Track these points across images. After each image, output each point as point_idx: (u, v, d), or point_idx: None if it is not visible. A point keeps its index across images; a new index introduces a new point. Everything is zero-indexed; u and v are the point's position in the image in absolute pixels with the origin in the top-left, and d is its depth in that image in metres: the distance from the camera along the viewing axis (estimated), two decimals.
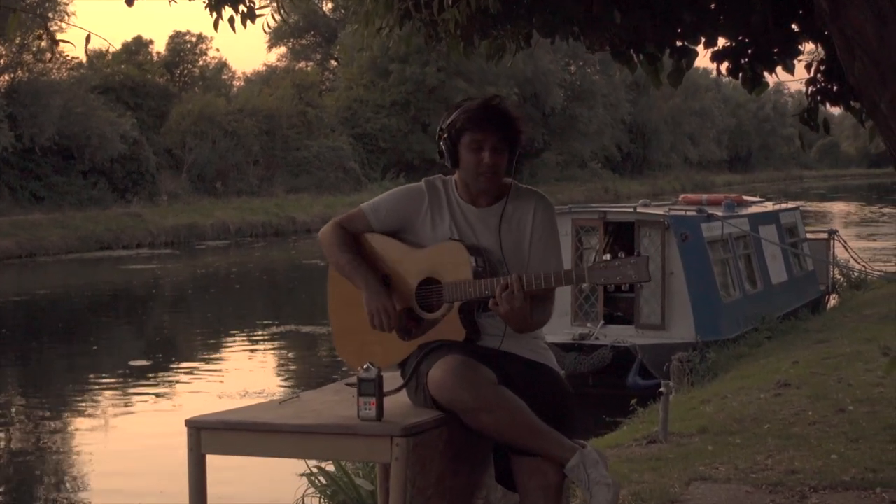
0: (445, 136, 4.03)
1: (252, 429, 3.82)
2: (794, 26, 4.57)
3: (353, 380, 3.85)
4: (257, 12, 4.41)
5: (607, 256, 3.81)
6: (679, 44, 4.68)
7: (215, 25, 4.42)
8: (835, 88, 4.72)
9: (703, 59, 4.78)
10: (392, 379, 4.01)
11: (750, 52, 4.64)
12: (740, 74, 4.67)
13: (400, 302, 4.03)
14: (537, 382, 3.92)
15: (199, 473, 3.87)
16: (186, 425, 3.87)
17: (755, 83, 4.66)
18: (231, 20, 4.43)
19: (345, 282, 4.11)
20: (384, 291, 3.99)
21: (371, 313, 3.98)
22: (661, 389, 7.93)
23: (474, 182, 4.00)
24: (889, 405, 8.15)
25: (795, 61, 4.70)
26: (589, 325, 13.84)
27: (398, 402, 3.92)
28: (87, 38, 3.93)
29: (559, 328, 13.56)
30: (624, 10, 4.32)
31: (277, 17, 4.47)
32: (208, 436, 3.85)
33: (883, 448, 6.85)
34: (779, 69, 4.68)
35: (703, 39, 4.60)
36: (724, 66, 4.68)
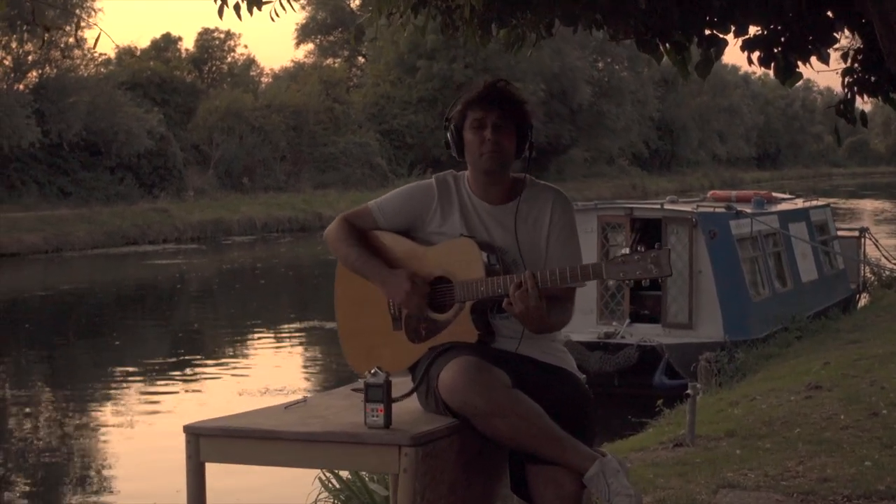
0: (451, 124, 3.83)
1: (253, 436, 3.63)
2: (829, 13, 4.33)
3: (361, 385, 3.65)
4: (264, 0, 4.22)
5: (626, 250, 3.59)
6: (708, 32, 4.45)
7: (220, 13, 4.23)
8: (872, 79, 4.47)
9: (732, 48, 4.56)
10: (403, 384, 3.81)
11: (783, 40, 4.40)
12: (772, 64, 4.43)
13: None
14: (555, 387, 3.72)
15: (199, 482, 3.68)
16: (185, 431, 3.70)
17: (788, 73, 4.41)
18: (237, 7, 4.24)
19: (352, 281, 3.92)
20: (399, 274, 3.78)
21: (397, 301, 3.79)
22: (688, 391, 7.70)
23: (478, 162, 3.80)
24: None
25: (831, 50, 4.46)
26: (615, 323, 13.59)
27: (409, 409, 3.72)
28: (97, 38, 3.73)
29: (584, 326, 13.33)
30: None
31: (286, 4, 4.26)
32: (207, 443, 3.66)
33: None
34: (813, 59, 4.45)
35: (733, 27, 4.37)
36: (756, 56, 4.44)
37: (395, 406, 3.58)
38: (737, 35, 4.47)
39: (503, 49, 4.78)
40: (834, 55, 4.48)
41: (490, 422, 3.50)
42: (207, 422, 3.75)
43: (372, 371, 3.59)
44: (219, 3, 4.20)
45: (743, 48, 4.46)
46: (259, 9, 4.23)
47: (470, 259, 3.73)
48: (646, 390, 12.20)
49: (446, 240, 3.83)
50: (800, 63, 4.43)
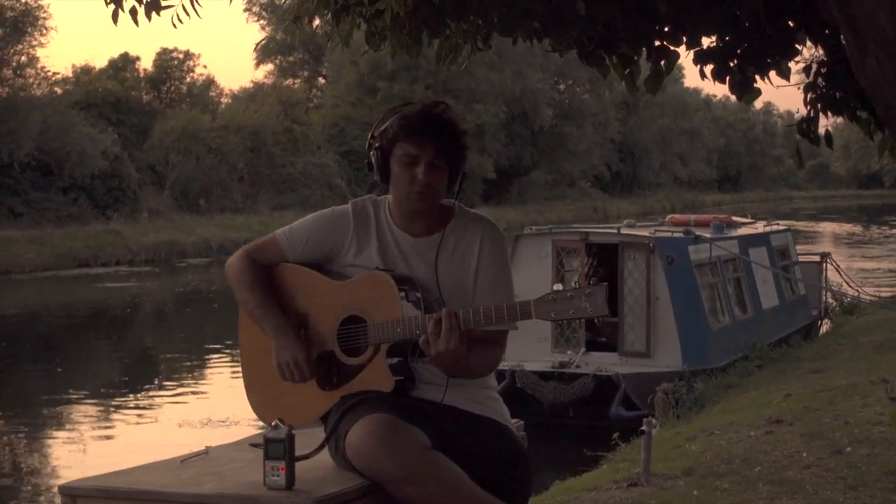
0: (376, 144, 3.40)
1: (136, 497, 3.18)
2: (789, 22, 3.94)
3: (261, 439, 3.19)
4: (163, 3, 3.77)
5: (559, 286, 3.18)
6: (657, 43, 4.04)
7: (114, 18, 3.77)
8: (837, 95, 4.08)
9: (689, 65, 4.16)
10: (315, 436, 3.38)
11: (739, 52, 4.00)
12: (728, 78, 4.03)
13: (320, 345, 3.38)
14: (484, 442, 3.29)
15: None
16: (60, 492, 3.23)
17: (745, 88, 4.01)
18: (133, 12, 3.79)
19: (256, 328, 3.47)
20: (296, 340, 3.36)
21: (280, 366, 3.35)
22: (643, 427, 7.28)
23: (406, 200, 3.37)
24: (890, 447, 7.50)
25: (792, 63, 4.07)
26: (570, 352, 13.15)
27: (320, 464, 3.28)
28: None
29: (538, 355, 12.90)
30: (589, 1, 3.68)
31: (189, 9, 3.81)
32: None
33: (885, 498, 6.21)
34: (772, 73, 4.05)
35: (684, 38, 3.97)
36: (709, 69, 4.04)
37: (304, 462, 3.15)
38: (689, 47, 4.06)
39: (434, 61, 4.36)
40: (795, 68, 4.09)
41: (403, 489, 3.07)
42: (86, 480, 3.29)
43: (273, 423, 3.15)
44: (112, 7, 3.74)
45: (696, 61, 4.06)
46: (158, 13, 3.78)
47: (386, 296, 3.30)
48: (602, 422, 11.78)
49: (360, 273, 3.39)
50: (758, 78, 4.03)
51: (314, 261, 3.48)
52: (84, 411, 14.89)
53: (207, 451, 3.62)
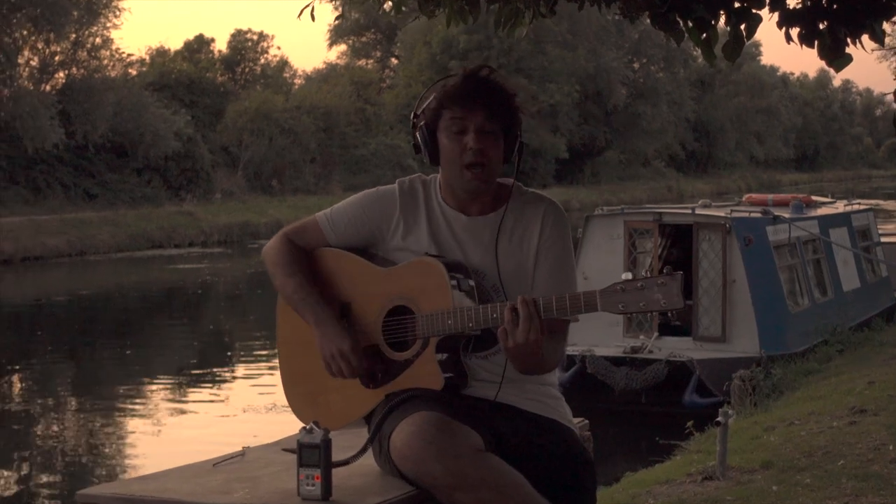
0: (421, 122, 3.08)
1: None
2: None
3: (295, 444, 2.90)
4: None
5: (628, 275, 2.84)
6: (737, 5, 3.68)
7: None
8: None
9: (768, 25, 3.78)
10: (357, 436, 3.08)
11: (829, 11, 3.62)
12: (816, 42, 3.64)
13: (364, 338, 3.08)
14: (544, 444, 2.97)
15: None
16: (77, 500, 2.96)
17: (836, 53, 3.63)
18: None
19: (295, 316, 3.17)
20: (342, 328, 3.05)
21: (325, 359, 3.04)
22: (720, 418, 6.91)
23: (459, 178, 3.05)
24: None
25: (887, 26, 3.67)
26: (642, 336, 12.75)
27: (362, 470, 2.99)
28: None
29: (610, 339, 12.52)
30: None
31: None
32: None
33: None
34: (864, 37, 3.66)
35: None
36: (796, 32, 3.66)
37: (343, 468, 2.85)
38: (772, 8, 3.69)
39: (493, 28, 4.03)
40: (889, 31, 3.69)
41: (453, 496, 2.75)
42: (106, 487, 3.02)
43: (307, 427, 2.85)
44: None
45: (780, 23, 3.67)
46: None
47: (436, 284, 2.98)
48: (675, 409, 11.38)
49: (408, 259, 3.08)
50: (849, 42, 3.64)
51: (358, 245, 3.18)
52: (153, 396, 14.94)
53: (244, 452, 3.34)
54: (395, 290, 3.05)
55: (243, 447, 3.40)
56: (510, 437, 2.94)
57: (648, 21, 3.88)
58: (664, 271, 2.76)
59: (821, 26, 3.66)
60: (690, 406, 11.52)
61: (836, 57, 3.64)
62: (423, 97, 3.11)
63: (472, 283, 2.99)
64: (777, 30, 3.81)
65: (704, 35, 3.82)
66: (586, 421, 3.56)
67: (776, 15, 3.68)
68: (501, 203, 3.10)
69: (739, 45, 3.77)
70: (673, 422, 10.34)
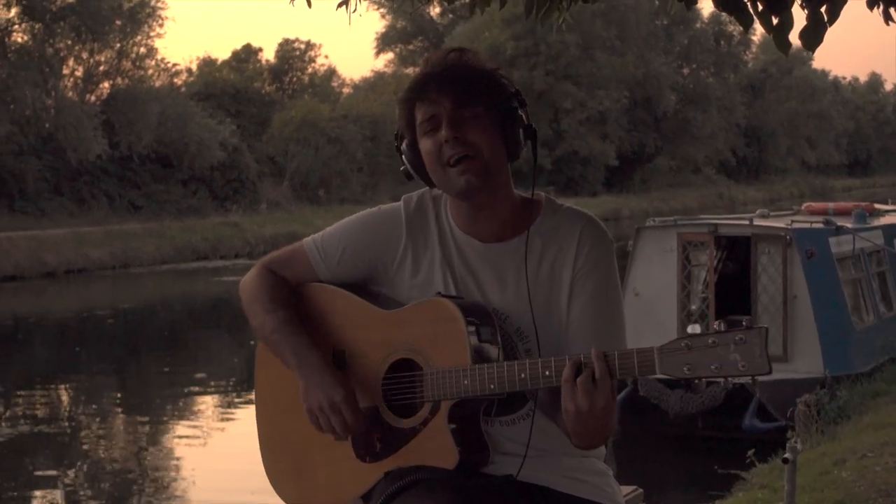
0: (404, 141, 2.48)
1: None
2: None
3: None
4: None
5: (695, 328, 2.21)
6: None
7: None
8: None
9: (854, 5, 3.12)
10: None
11: None
12: None
13: (360, 398, 2.45)
14: None
15: None
16: None
17: None
18: None
19: (277, 365, 2.54)
20: (333, 374, 2.42)
21: (311, 410, 2.41)
22: (787, 455, 6.23)
23: (447, 182, 2.42)
24: None
25: None
26: None
27: None
28: None
29: None
30: None
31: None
32: None
33: None
34: None
35: None
36: (895, 11, 3.02)
37: None
38: None
39: (524, 17, 3.42)
40: None
41: None
42: None
43: None
44: None
45: (871, 2, 3.03)
46: None
47: (449, 332, 2.35)
48: (734, 434, 10.67)
49: (418, 298, 2.44)
50: None
51: (354, 280, 2.55)
52: (199, 410, 14.89)
53: None
54: (399, 338, 2.42)
55: None
56: None
57: (713, 5, 3.23)
58: (743, 323, 2.12)
59: None
60: (750, 431, 10.82)
61: None
62: (398, 105, 2.50)
63: (494, 330, 2.36)
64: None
65: (777, 19, 3.17)
66: (640, 490, 2.92)
67: None
68: (526, 224, 2.46)
69: (821, 31, 3.13)
70: (732, 449, 9.72)
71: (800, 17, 3.28)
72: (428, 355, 2.37)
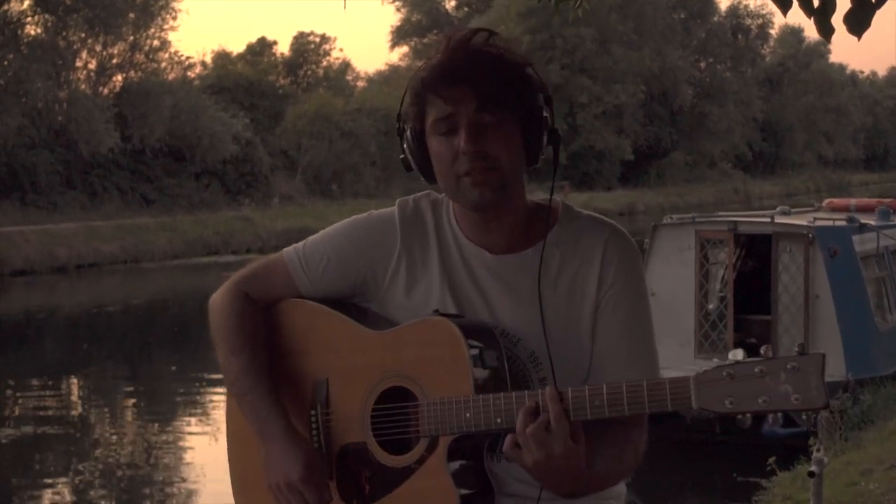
0: (407, 127, 2.15)
1: None
2: None
3: None
4: None
5: (738, 353, 1.91)
6: None
7: None
8: None
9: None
10: None
11: None
12: None
13: (343, 433, 2.14)
14: None
15: None
16: None
17: None
18: None
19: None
20: (295, 443, 2.13)
21: (270, 486, 2.13)
22: (813, 468, 5.92)
23: (458, 193, 2.11)
24: None
25: None
26: (716, 359, 11.69)
27: None
28: None
29: (680, 362, 11.47)
30: None
31: None
32: None
33: None
34: None
35: None
36: None
37: None
38: None
39: (539, 5, 3.12)
40: None
41: None
42: None
43: None
44: None
45: None
46: None
47: (448, 357, 2.04)
48: (754, 440, 10.35)
49: (412, 317, 2.13)
50: None
51: (341, 295, 2.25)
52: (210, 405, 14.81)
53: None
54: (390, 363, 2.12)
55: None
56: None
57: None
58: (795, 350, 1.83)
59: None
60: (770, 437, 10.49)
61: None
62: (406, 91, 2.16)
63: (500, 354, 2.05)
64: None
65: (819, 2, 2.85)
66: None
67: None
68: (541, 234, 2.14)
69: (868, 14, 2.81)
70: (751, 455, 9.41)
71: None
72: (424, 383, 2.07)
